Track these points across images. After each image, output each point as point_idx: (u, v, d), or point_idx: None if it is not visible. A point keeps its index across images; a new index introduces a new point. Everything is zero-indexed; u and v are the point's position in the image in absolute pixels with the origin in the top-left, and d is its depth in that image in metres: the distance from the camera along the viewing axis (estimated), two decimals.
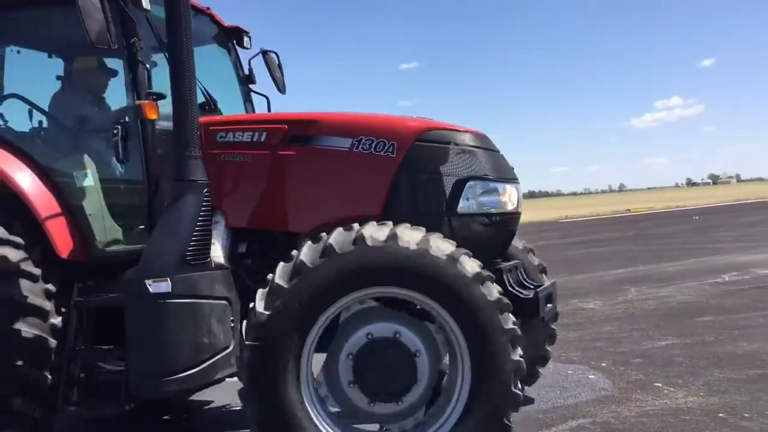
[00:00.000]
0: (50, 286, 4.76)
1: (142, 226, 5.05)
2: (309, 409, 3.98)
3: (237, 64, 6.29)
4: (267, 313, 3.94)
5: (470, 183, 4.68)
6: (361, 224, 4.13)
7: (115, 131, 4.85)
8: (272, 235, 4.96)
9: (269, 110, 5.56)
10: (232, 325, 4.49)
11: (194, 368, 4.36)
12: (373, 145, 4.70)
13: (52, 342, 4.71)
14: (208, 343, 4.37)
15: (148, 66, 4.96)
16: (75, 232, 4.96)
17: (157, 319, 4.33)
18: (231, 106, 5.99)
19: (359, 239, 3.98)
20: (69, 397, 4.76)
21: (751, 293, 10.67)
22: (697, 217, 34.44)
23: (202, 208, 4.47)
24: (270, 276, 4.05)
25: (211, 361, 4.39)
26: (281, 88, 6.38)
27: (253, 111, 5.98)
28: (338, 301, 4.03)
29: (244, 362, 4.00)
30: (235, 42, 6.28)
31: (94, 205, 5.12)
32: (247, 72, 6.28)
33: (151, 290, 4.33)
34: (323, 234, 4.14)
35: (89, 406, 4.87)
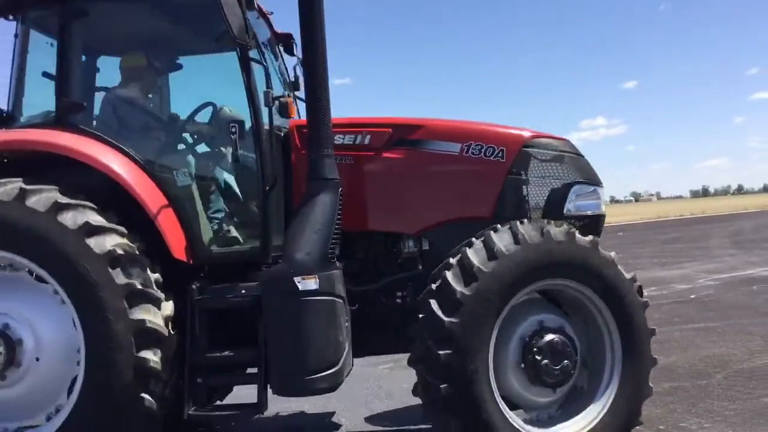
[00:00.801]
0: (160, 291, 4.48)
1: (231, 228, 5.04)
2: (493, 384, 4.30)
3: (284, 69, 5.98)
4: (467, 293, 4.22)
5: (575, 187, 5.13)
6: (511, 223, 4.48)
7: (233, 130, 4.80)
8: (370, 236, 5.13)
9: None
10: (346, 324, 4.57)
11: (334, 367, 4.43)
12: (483, 151, 5.06)
13: (172, 340, 4.46)
14: (342, 341, 4.48)
15: (265, 64, 4.97)
16: (184, 233, 4.78)
17: (304, 316, 4.38)
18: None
19: (545, 232, 4.39)
20: (196, 400, 4.56)
21: (667, 308, 11.13)
22: (621, 234, 35.61)
23: (339, 206, 4.64)
24: (454, 260, 4.34)
25: (344, 359, 4.48)
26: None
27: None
28: (525, 288, 4.43)
29: (443, 335, 4.17)
30: (282, 48, 6.06)
31: (201, 205, 5.00)
32: (293, 78, 5.93)
33: (299, 287, 4.38)
34: (497, 226, 4.47)
35: (221, 410, 4.82)
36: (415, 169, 5.10)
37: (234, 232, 5.04)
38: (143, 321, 4.24)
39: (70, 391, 4.35)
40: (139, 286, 4.29)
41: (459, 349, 4.16)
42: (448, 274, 4.26)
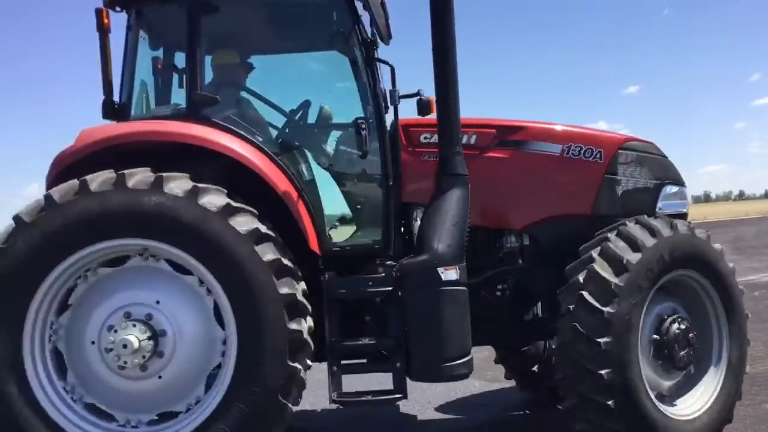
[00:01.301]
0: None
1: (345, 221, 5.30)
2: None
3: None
4: (620, 284, 4.53)
5: (666, 187, 5.62)
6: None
7: (363, 126, 5.03)
8: (475, 231, 5.20)
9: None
10: None
11: (468, 354, 4.74)
12: (582, 152, 5.43)
13: (312, 319, 4.56)
14: (469, 330, 4.72)
15: (391, 64, 5.18)
16: (311, 224, 4.92)
17: (445, 306, 4.63)
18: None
19: (673, 226, 4.85)
20: (337, 385, 4.71)
21: None
22: None
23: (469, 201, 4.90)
24: (595, 253, 4.65)
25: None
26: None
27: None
28: (665, 277, 4.80)
29: (602, 324, 4.45)
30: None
31: (326, 198, 5.21)
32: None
33: (443, 278, 4.63)
34: (625, 222, 4.87)
35: (361, 398, 4.83)
36: (520, 168, 5.38)
37: (355, 226, 5.31)
38: (293, 294, 4.36)
39: (207, 385, 4.45)
40: (285, 262, 4.40)
41: (618, 336, 4.47)
42: (596, 266, 4.56)
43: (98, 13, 4.98)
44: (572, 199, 5.43)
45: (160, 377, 4.40)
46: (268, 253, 4.36)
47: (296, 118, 5.58)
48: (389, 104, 5.18)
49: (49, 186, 4.55)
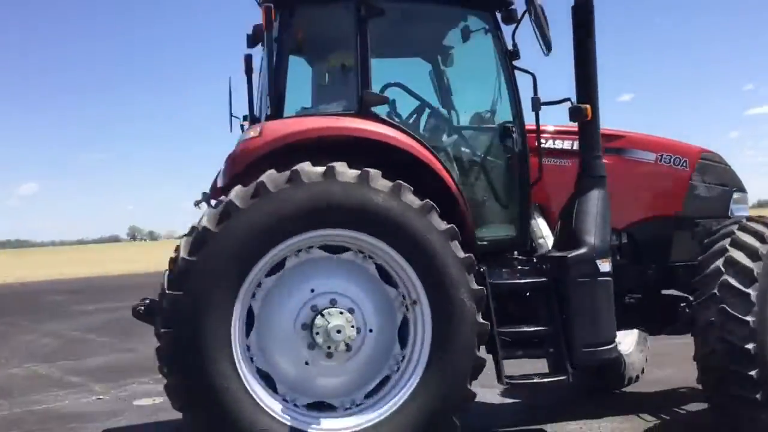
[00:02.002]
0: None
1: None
2: None
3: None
4: (758, 270, 5.17)
5: (735, 194, 6.37)
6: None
7: (513, 129, 5.56)
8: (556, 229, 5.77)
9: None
10: None
11: (615, 340, 5.28)
12: (672, 160, 6.15)
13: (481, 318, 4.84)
14: (614, 317, 5.30)
15: (533, 73, 5.63)
16: (469, 219, 5.23)
17: (602, 295, 5.21)
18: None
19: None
20: (503, 373, 5.03)
21: None
22: None
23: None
24: (725, 242, 5.31)
25: None
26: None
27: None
28: None
29: (746, 303, 5.07)
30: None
31: (478, 193, 5.60)
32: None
33: (600, 269, 5.21)
34: (736, 222, 5.59)
35: (530, 380, 5.22)
36: (621, 173, 5.87)
37: (496, 222, 5.65)
38: (482, 289, 4.77)
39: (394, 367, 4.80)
40: (473, 258, 4.77)
41: (760, 315, 5.09)
42: (734, 255, 5.21)
43: (267, 10, 5.01)
44: (665, 201, 6.11)
45: (343, 365, 4.69)
46: (460, 250, 4.72)
47: (450, 119, 5.91)
48: (531, 110, 5.63)
49: (230, 174, 4.78)
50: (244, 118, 6.29)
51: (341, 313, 4.61)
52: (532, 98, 5.61)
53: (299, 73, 5.79)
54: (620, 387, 7.33)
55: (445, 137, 5.75)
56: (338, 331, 4.53)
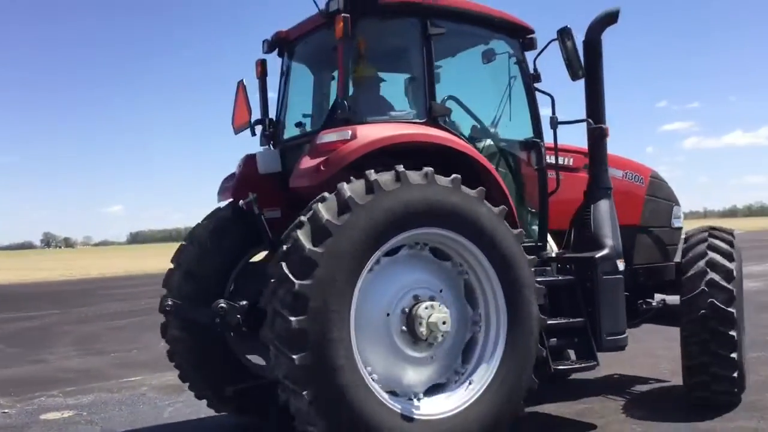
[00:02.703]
0: None
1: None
2: None
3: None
4: (735, 269, 6.33)
5: (675, 207, 7.55)
6: None
7: (541, 145, 6.21)
8: (562, 233, 6.63)
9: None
10: None
11: (627, 329, 6.15)
12: (633, 177, 7.25)
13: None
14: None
15: (552, 95, 6.34)
16: (518, 224, 5.75)
17: (620, 289, 6.07)
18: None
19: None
20: (552, 363, 5.66)
21: None
22: None
23: None
24: (703, 245, 6.49)
25: None
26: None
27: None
28: None
29: (730, 297, 6.21)
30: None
31: (518, 199, 6.20)
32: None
33: (619, 268, 6.12)
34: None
35: (574, 366, 6.01)
36: (580, 184, 6.65)
37: (526, 227, 6.19)
38: (542, 287, 5.40)
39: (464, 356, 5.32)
40: (535, 259, 5.57)
41: (740, 306, 6.48)
42: (715, 257, 6.36)
43: (345, 20, 5.37)
44: (628, 212, 6.93)
45: (426, 353, 5.12)
46: (524, 250, 5.36)
47: (489, 132, 6.36)
48: (550, 128, 6.34)
49: (326, 172, 5.09)
50: (257, 122, 6.53)
51: (440, 306, 5.04)
52: (551, 117, 6.33)
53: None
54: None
55: (483, 148, 6.22)
56: (444, 323, 4.97)
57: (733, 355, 6.07)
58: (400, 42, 6.01)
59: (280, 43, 6.44)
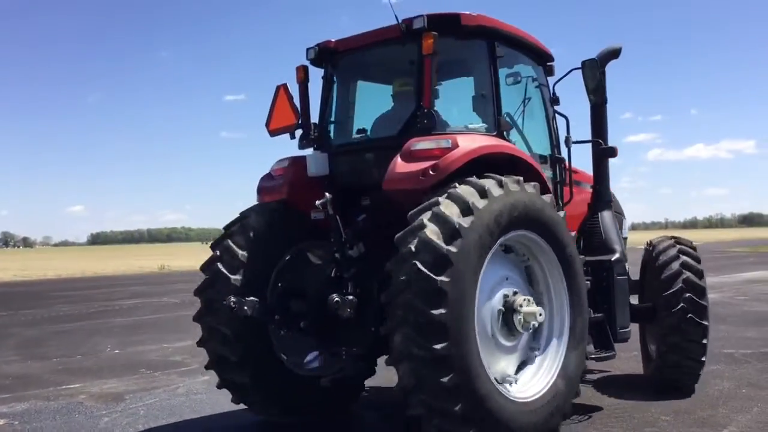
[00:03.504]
0: None
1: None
2: None
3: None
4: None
5: (624, 220, 8.37)
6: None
7: (563, 161, 7.14)
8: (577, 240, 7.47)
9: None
10: None
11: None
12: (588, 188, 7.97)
13: None
14: None
15: (567, 117, 7.22)
16: None
17: (627, 288, 7.18)
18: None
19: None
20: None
21: None
22: None
23: None
24: (674, 249, 7.54)
25: None
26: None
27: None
28: None
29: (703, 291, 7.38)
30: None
31: None
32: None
33: (626, 269, 7.29)
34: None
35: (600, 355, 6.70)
36: (578, 198, 7.42)
37: None
38: (587, 284, 6.23)
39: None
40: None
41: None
42: (692, 276, 7.35)
43: (435, 38, 5.80)
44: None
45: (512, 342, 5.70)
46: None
47: (527, 146, 6.85)
48: (564, 146, 7.17)
49: (435, 177, 5.46)
50: (298, 126, 6.66)
51: (530, 300, 5.65)
52: (566, 137, 7.17)
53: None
54: None
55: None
56: (540, 314, 5.65)
57: (705, 341, 7.19)
58: (471, 61, 6.59)
59: (328, 53, 6.73)
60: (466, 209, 5.08)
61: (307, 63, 6.85)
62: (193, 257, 71.13)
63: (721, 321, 13.01)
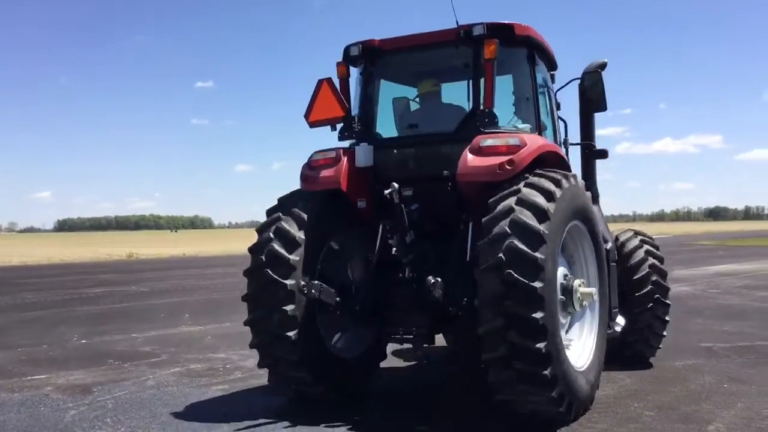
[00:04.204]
0: None
1: None
2: None
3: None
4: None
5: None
6: None
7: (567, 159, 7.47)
8: None
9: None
10: None
11: None
12: None
13: None
14: None
15: (565, 121, 8.02)
16: None
17: (616, 275, 7.67)
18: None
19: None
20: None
21: None
22: None
23: None
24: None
25: None
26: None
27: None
28: None
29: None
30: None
31: None
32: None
33: (616, 257, 7.85)
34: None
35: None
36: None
37: None
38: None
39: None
40: None
41: None
42: (661, 277, 8.39)
43: (496, 45, 6.49)
44: None
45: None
46: None
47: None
48: (564, 147, 7.79)
49: (510, 171, 6.02)
50: (343, 118, 7.05)
51: (584, 282, 6.42)
52: (564, 139, 7.91)
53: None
54: None
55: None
56: (595, 295, 6.47)
57: (667, 318, 8.36)
58: (517, 66, 7.06)
59: (371, 52, 7.13)
60: (549, 196, 5.72)
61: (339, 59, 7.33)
62: (162, 245, 70.67)
63: (697, 314, 13.06)
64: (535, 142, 6.30)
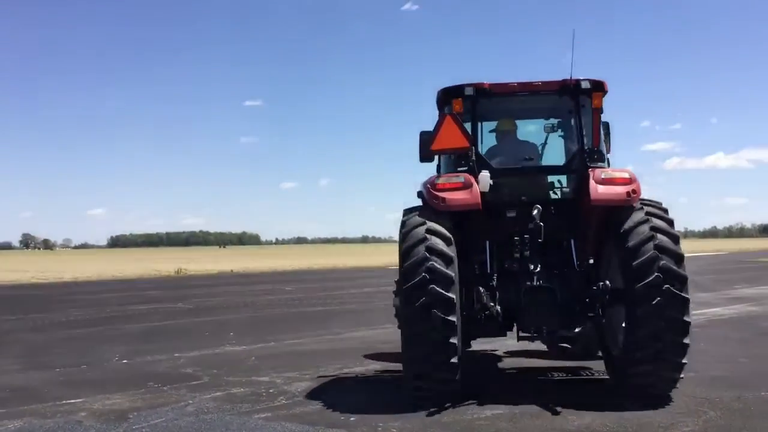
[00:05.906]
0: None
1: None
2: None
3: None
4: None
5: None
6: None
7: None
8: None
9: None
10: None
11: None
12: None
13: None
14: None
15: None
16: None
17: None
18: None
19: None
20: None
21: None
22: None
23: None
24: None
25: None
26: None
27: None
28: None
29: None
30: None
31: None
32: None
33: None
34: None
35: None
36: None
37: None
38: None
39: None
40: None
41: None
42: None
43: (588, 92, 8.21)
44: None
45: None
46: None
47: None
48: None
49: (636, 197, 7.53)
50: (467, 149, 8.03)
51: None
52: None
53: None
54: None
55: None
56: None
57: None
58: (586, 112, 8.32)
59: (482, 93, 8.26)
60: (671, 223, 7.34)
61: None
62: (210, 261, 71.03)
63: None
64: (636, 175, 7.66)
